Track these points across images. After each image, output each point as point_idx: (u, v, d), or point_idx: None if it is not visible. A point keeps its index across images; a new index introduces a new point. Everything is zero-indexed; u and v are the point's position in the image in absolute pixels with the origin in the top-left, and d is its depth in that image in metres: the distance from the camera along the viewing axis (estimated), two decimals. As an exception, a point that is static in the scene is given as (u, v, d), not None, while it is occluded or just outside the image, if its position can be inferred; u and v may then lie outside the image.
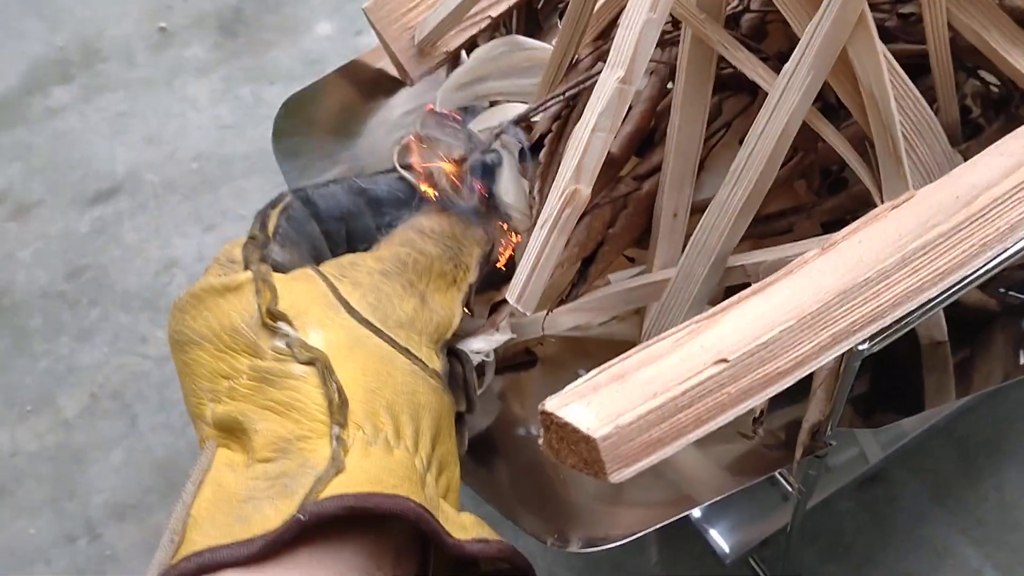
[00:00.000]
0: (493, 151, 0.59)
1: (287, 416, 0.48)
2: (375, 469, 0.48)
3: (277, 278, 0.54)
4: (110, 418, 1.16)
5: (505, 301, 0.56)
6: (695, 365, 0.48)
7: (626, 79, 0.51)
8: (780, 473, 0.75)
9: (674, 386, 0.47)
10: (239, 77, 1.41)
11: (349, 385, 0.50)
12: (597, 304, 0.68)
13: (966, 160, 0.61)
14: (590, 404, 0.47)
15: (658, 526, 0.64)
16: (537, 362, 0.75)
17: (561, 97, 0.64)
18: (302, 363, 0.50)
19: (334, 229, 0.60)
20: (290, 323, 0.51)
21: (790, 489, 0.73)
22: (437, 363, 0.56)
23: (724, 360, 0.48)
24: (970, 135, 0.72)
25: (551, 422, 0.47)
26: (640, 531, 0.64)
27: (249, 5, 1.48)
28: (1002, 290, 0.76)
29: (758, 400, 0.48)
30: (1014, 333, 0.76)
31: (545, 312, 0.67)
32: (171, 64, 1.44)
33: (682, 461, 0.67)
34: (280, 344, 0.50)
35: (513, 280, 0.54)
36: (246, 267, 0.54)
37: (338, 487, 0.46)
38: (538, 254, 0.53)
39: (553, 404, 0.48)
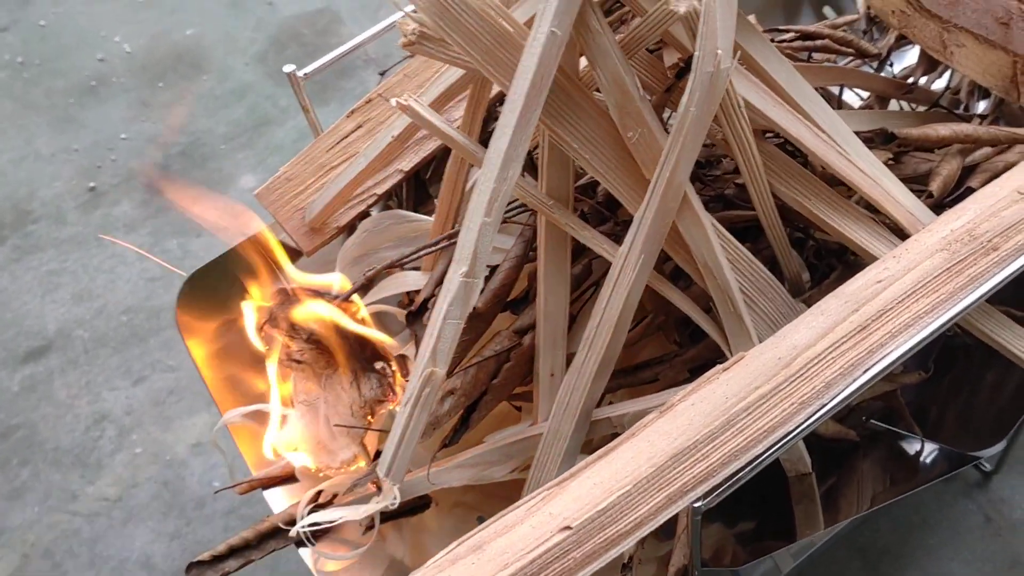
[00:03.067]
0: None
1: None
2: None
3: None
4: (41, 578, 1.18)
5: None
6: (543, 533, 0.53)
7: (469, 273, 0.57)
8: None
9: (524, 555, 0.52)
10: (166, 231, 1.47)
11: None
12: (479, 460, 0.73)
13: (809, 307, 0.68)
14: (446, 579, 0.52)
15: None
16: (430, 504, 0.79)
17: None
18: None
19: None
20: None
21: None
22: None
23: (568, 528, 0.53)
24: (819, 280, 0.79)
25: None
26: None
27: (176, 162, 1.55)
28: (864, 418, 0.83)
29: (603, 563, 0.53)
30: (879, 458, 0.82)
31: (427, 468, 0.72)
32: (100, 221, 1.50)
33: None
34: None
35: (382, 455, 0.59)
36: None
37: None
38: (403, 430, 0.59)
39: (416, 586, 0.52)
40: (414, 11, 0.60)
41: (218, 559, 0.79)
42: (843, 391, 0.59)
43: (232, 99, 1.60)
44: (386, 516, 0.78)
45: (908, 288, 0.63)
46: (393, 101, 0.64)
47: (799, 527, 0.77)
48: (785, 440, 0.57)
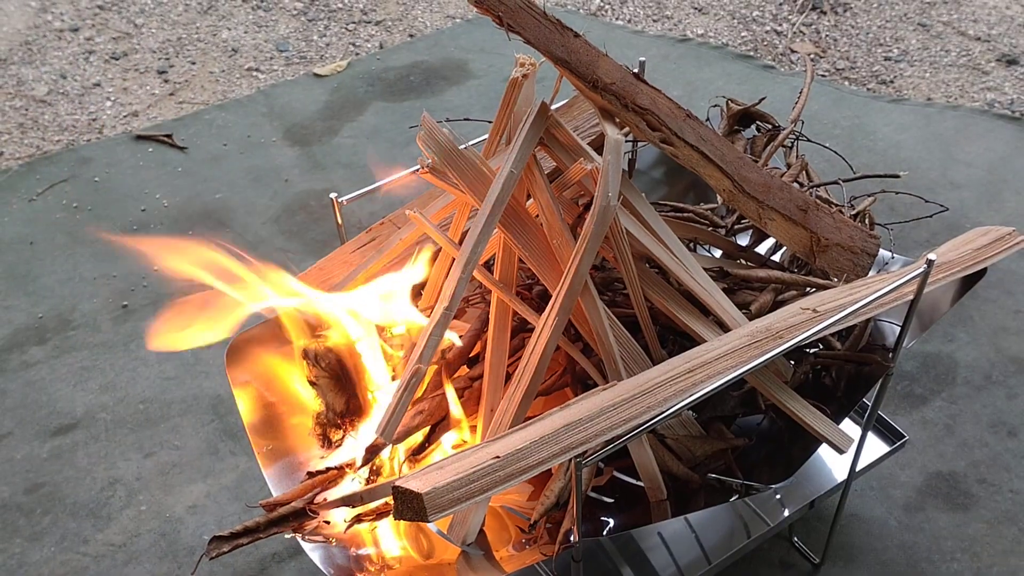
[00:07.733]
0: None
1: None
2: None
3: None
4: (51, 603, 1.41)
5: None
6: (483, 458, 0.86)
7: (449, 308, 0.93)
8: None
9: (469, 469, 0.84)
10: (183, 343, 1.80)
11: None
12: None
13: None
14: (420, 479, 0.84)
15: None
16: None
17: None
18: None
19: None
20: None
21: None
22: None
23: (497, 457, 0.86)
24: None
25: (398, 492, 0.83)
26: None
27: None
28: (709, 475, 1.16)
29: (519, 481, 0.85)
30: (709, 499, 1.15)
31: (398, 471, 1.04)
32: (129, 332, 1.82)
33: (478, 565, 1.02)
34: None
35: (379, 423, 0.92)
36: None
37: None
38: (395, 405, 0.92)
39: (399, 482, 0.84)
40: (429, 160, 0.99)
41: (235, 535, 1.09)
42: (674, 405, 0.94)
43: (248, 248, 1.97)
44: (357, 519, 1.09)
45: (722, 354, 1.00)
46: (408, 212, 1.02)
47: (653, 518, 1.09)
48: (639, 429, 0.92)
